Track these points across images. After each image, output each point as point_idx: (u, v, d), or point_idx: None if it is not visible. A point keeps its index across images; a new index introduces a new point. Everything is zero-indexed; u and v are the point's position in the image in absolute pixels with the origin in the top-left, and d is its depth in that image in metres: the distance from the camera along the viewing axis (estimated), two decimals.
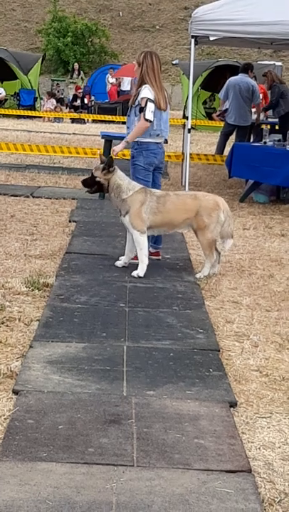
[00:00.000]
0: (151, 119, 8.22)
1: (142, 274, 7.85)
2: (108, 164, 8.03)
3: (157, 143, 8.52)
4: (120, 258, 8.24)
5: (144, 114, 8.19)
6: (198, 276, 7.97)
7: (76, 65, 35.37)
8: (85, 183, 8.32)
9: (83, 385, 5.06)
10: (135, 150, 8.49)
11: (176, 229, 8.25)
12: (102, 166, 8.12)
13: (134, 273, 7.86)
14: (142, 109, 8.23)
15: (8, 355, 5.55)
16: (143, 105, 8.21)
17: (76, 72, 34.11)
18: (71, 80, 33.11)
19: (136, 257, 8.07)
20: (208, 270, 8.03)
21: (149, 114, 8.18)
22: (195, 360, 5.64)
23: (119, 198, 8.00)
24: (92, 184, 8.21)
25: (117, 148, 8.48)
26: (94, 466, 4.04)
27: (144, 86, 8.30)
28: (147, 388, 5.07)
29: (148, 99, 8.19)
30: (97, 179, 8.12)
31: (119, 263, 8.18)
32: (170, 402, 4.87)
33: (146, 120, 8.19)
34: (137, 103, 8.37)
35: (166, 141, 8.86)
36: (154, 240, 8.61)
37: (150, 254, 8.44)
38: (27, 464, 4.02)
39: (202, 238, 8.08)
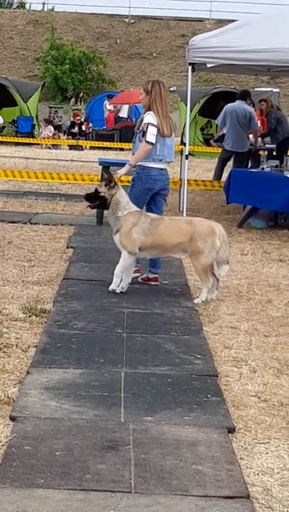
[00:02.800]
0: (153, 142, 8.42)
1: (110, 288, 8.12)
2: (109, 179, 8.26)
3: (160, 169, 8.65)
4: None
5: (146, 137, 8.41)
6: (196, 301, 7.97)
7: (81, 93, 35.49)
8: (88, 197, 8.54)
9: (81, 411, 5.03)
10: (137, 174, 8.67)
11: (170, 253, 8.32)
12: (104, 182, 8.35)
13: (116, 289, 8.11)
14: (144, 134, 8.46)
15: (6, 381, 5.53)
16: (145, 129, 8.44)
17: (79, 99, 34.24)
18: (74, 107, 33.21)
19: (149, 278, 8.50)
20: (205, 295, 8.02)
21: (150, 136, 8.40)
22: (193, 385, 5.62)
23: (114, 215, 8.19)
24: (94, 199, 8.43)
25: (121, 172, 8.74)
26: (91, 492, 4.01)
27: (147, 112, 8.55)
28: (145, 414, 5.05)
29: (149, 124, 8.42)
30: (101, 194, 8.31)
31: (117, 289, 8.18)
32: (168, 428, 4.85)
33: (148, 142, 8.40)
34: (141, 129, 8.59)
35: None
36: (153, 265, 8.67)
37: (148, 279, 8.61)
38: (24, 490, 4.00)
39: (196, 263, 8.11)
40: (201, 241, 8.01)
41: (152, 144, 8.43)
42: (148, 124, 8.45)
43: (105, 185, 8.28)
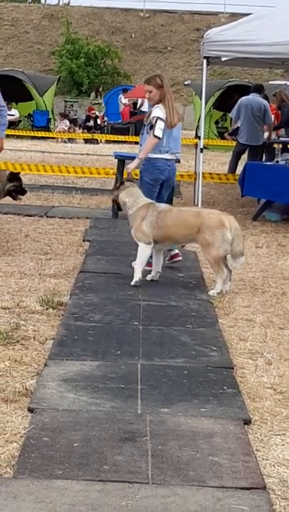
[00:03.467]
0: (160, 136, 8.60)
1: (133, 283, 8.15)
2: (116, 182, 8.69)
3: (166, 159, 8.84)
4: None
5: (154, 131, 8.59)
6: (210, 293, 8.00)
7: (100, 88, 35.49)
8: (113, 201, 9.15)
9: (98, 403, 5.08)
10: (143, 165, 8.86)
11: (181, 244, 8.55)
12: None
13: (131, 282, 8.18)
14: (152, 127, 8.62)
15: (24, 373, 5.58)
16: (154, 123, 8.59)
17: (99, 93, 34.26)
18: (95, 101, 33.22)
19: (172, 256, 8.80)
20: (220, 287, 8.05)
21: (158, 131, 8.57)
22: (209, 377, 5.65)
23: (128, 214, 8.47)
24: (113, 201, 9.10)
25: (131, 166, 8.85)
26: (109, 483, 4.05)
27: (156, 106, 8.71)
28: (162, 406, 5.08)
29: (158, 118, 8.60)
30: (112, 197, 8.82)
31: (148, 276, 8.41)
32: (184, 420, 4.88)
33: (155, 137, 8.59)
34: (149, 122, 8.76)
35: (178, 161, 9.01)
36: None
37: (172, 258, 9.04)
38: (43, 481, 4.04)
39: (207, 256, 8.23)
40: (209, 233, 8.03)
41: (160, 138, 8.60)
42: (157, 117, 8.62)
43: (113, 188, 8.70)
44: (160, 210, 8.31)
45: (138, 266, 8.27)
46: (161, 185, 8.93)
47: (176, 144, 8.98)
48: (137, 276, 8.20)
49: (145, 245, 8.25)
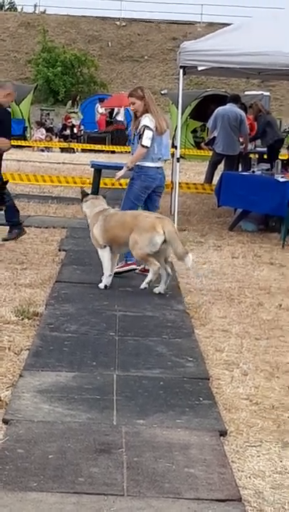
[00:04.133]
0: (148, 146, 8.83)
1: (102, 286, 8.45)
2: (82, 195, 9.07)
3: (157, 167, 9.07)
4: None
5: (141, 141, 8.81)
6: (142, 286, 8.35)
7: (78, 96, 35.43)
8: None
9: (73, 415, 5.05)
10: (135, 173, 9.06)
11: (128, 247, 8.55)
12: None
13: (100, 285, 8.46)
14: (140, 137, 8.86)
15: None
16: (142, 132, 8.84)
17: (76, 102, 34.19)
18: (71, 110, 33.14)
19: (145, 270, 8.79)
20: (150, 276, 8.38)
21: (145, 140, 8.81)
22: (185, 388, 5.64)
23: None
24: None
25: (119, 174, 9.25)
26: (84, 495, 4.03)
27: (144, 115, 8.93)
28: (137, 417, 5.07)
29: (145, 127, 8.82)
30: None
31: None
32: (160, 431, 4.87)
33: (143, 146, 8.81)
34: (138, 131, 8.98)
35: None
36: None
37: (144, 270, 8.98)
38: (17, 493, 4.01)
39: (133, 253, 8.50)
40: (137, 233, 8.32)
41: (147, 147, 8.81)
42: (144, 126, 8.83)
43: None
44: (108, 214, 8.64)
45: (104, 271, 8.50)
46: (152, 193, 9.15)
47: (166, 150, 9.28)
48: (105, 280, 8.49)
49: (101, 250, 8.54)
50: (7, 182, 10.74)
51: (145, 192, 9.07)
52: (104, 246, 8.51)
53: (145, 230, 8.29)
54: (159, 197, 9.35)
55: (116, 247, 8.58)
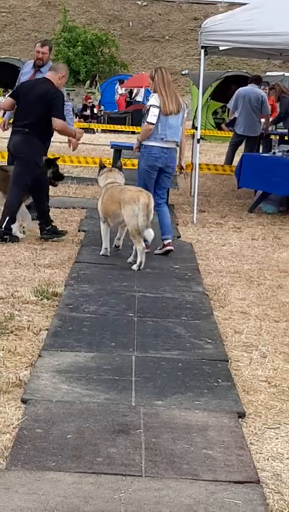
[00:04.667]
0: (153, 122, 9.09)
1: (101, 253, 9.01)
2: (99, 167, 9.39)
3: (162, 147, 9.19)
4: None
5: (146, 117, 9.12)
6: (134, 268, 8.52)
7: (96, 76, 35.36)
8: None
9: (92, 395, 5.06)
10: (141, 152, 9.34)
11: (119, 219, 8.79)
12: None
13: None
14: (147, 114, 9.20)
15: (17, 364, 5.56)
16: (147, 111, 9.18)
17: (95, 82, 34.13)
18: (89, 90, 33.06)
19: (148, 247, 8.92)
20: (140, 258, 8.55)
21: (150, 117, 9.10)
22: (203, 370, 5.63)
23: None
24: None
25: (134, 147, 9.63)
26: (102, 475, 4.04)
27: (151, 95, 9.28)
28: (156, 398, 5.07)
29: (151, 105, 9.14)
30: None
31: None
32: (178, 413, 4.87)
33: (148, 123, 9.09)
34: (145, 110, 9.33)
35: (177, 145, 9.47)
36: (162, 232, 9.32)
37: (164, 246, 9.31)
38: (35, 473, 4.03)
39: (128, 227, 8.68)
40: (123, 208, 8.58)
41: (152, 124, 9.08)
42: (150, 105, 9.14)
43: None
44: (109, 187, 8.96)
45: (103, 238, 9.03)
46: (161, 173, 9.28)
47: (173, 132, 9.19)
48: (102, 251, 9.03)
49: (101, 223, 8.99)
50: (55, 159, 10.76)
51: (151, 171, 9.24)
52: (104, 219, 8.88)
53: (127, 202, 8.55)
54: (167, 178, 9.45)
55: (110, 220, 8.87)
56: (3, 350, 5.78)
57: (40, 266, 8.37)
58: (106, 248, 9.01)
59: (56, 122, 9.36)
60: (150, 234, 8.47)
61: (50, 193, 13.41)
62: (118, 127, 28.24)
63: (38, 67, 10.76)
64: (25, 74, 10.88)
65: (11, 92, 9.63)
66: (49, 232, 9.75)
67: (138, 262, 8.52)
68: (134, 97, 33.07)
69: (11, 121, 10.50)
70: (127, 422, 4.68)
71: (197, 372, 5.59)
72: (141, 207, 8.45)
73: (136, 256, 8.65)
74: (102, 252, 9.01)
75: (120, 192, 8.73)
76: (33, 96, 9.43)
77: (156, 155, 9.18)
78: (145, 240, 8.82)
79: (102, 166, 9.40)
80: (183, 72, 32.19)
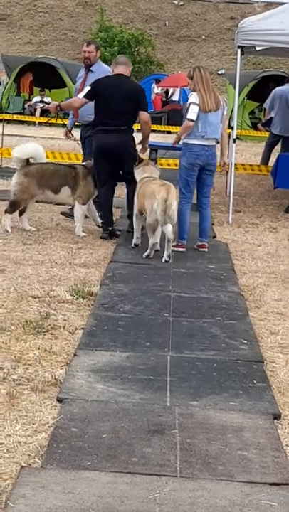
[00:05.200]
0: (193, 119, 9.20)
1: (133, 243, 9.34)
2: (137, 161, 9.64)
3: (203, 145, 9.31)
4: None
5: (187, 115, 9.26)
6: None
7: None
8: None
9: (127, 394, 5.07)
10: (182, 150, 9.50)
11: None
12: None
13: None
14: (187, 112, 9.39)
15: (53, 363, 5.58)
16: (187, 108, 9.34)
17: None
18: None
19: (176, 245, 9.24)
20: (148, 250, 8.86)
21: (190, 114, 9.24)
22: (239, 371, 5.62)
23: None
24: None
25: (173, 140, 10.06)
26: (137, 475, 4.04)
27: (191, 93, 9.41)
28: (191, 399, 5.06)
29: (191, 103, 9.27)
30: None
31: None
32: (213, 413, 4.86)
33: (188, 119, 9.22)
34: (185, 109, 9.53)
35: (217, 142, 9.58)
36: (199, 233, 9.54)
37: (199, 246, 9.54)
38: (71, 472, 4.04)
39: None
40: (146, 201, 8.80)
41: (193, 120, 9.21)
42: (190, 103, 9.28)
43: None
44: (143, 182, 9.17)
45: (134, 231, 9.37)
46: (201, 171, 9.40)
47: (213, 129, 9.30)
48: (134, 239, 9.37)
49: (134, 216, 9.25)
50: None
51: (192, 168, 9.35)
52: (140, 213, 9.08)
53: (147, 196, 8.77)
54: (209, 175, 9.53)
55: (144, 213, 9.00)
56: (39, 349, 5.80)
57: (75, 265, 8.39)
58: (138, 237, 9.29)
59: (145, 116, 9.86)
60: (168, 231, 8.67)
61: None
62: (154, 127, 28.19)
63: (87, 66, 10.85)
64: (79, 78, 11.09)
65: (85, 92, 9.72)
66: (111, 233, 9.94)
67: (146, 253, 8.84)
68: (170, 96, 33.03)
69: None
70: (162, 422, 4.68)
71: (232, 372, 5.58)
72: (160, 201, 8.60)
73: (169, 256, 8.73)
74: (133, 241, 9.27)
75: (147, 186, 8.92)
76: (120, 94, 9.62)
77: (198, 153, 9.29)
78: (183, 238, 9.20)
79: (139, 160, 9.60)
80: (219, 72, 32.14)
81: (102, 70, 10.66)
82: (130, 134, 9.93)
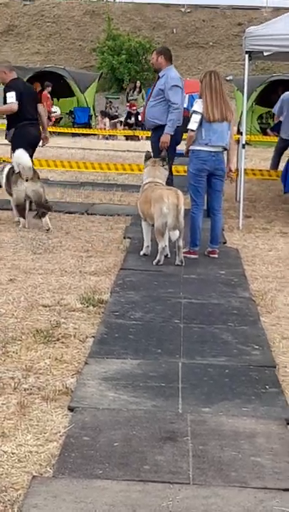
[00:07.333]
0: (193, 128, 9.19)
1: (141, 253, 9.23)
2: (145, 158, 9.67)
3: (209, 151, 9.27)
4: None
5: (188, 125, 9.31)
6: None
7: (138, 83, 35.45)
8: None
9: (138, 402, 5.04)
10: (190, 157, 9.47)
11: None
12: None
13: (140, 252, 9.22)
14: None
15: (64, 371, 5.56)
16: (190, 117, 9.34)
17: (137, 89, 34.17)
18: (131, 97, 33.14)
19: (189, 252, 9.19)
20: (158, 256, 8.79)
21: (191, 124, 9.26)
22: (251, 376, 5.58)
23: None
24: None
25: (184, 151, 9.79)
26: (150, 483, 4.01)
27: (196, 100, 9.40)
28: (203, 405, 5.03)
29: (193, 111, 9.24)
30: None
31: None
32: (226, 419, 4.83)
33: (189, 129, 9.27)
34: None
35: (225, 149, 9.57)
36: (210, 240, 9.49)
37: (210, 253, 9.48)
38: (83, 481, 4.01)
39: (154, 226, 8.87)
40: (153, 206, 8.77)
41: (192, 130, 9.21)
42: (193, 111, 9.26)
43: None
44: (145, 187, 9.20)
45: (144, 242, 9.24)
46: (211, 177, 9.39)
47: (218, 136, 9.25)
48: (144, 250, 9.23)
49: (142, 221, 9.19)
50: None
51: (200, 174, 9.34)
52: (145, 218, 9.05)
53: (156, 200, 8.73)
54: (219, 181, 9.50)
55: (149, 220, 9.01)
56: (49, 358, 5.79)
57: (85, 273, 8.38)
58: (148, 246, 9.19)
59: None
60: (175, 235, 8.74)
61: (96, 200, 13.53)
62: None
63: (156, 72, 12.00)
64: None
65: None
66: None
67: (157, 259, 8.76)
68: None
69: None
70: (174, 430, 4.65)
71: (244, 378, 5.55)
72: (171, 207, 8.62)
73: (181, 261, 8.75)
74: (143, 251, 9.19)
75: (152, 191, 8.92)
76: None
77: (204, 158, 9.26)
78: (195, 245, 9.19)
79: (147, 157, 9.68)
80: (227, 78, 32.06)
81: (167, 75, 11.47)
82: None
